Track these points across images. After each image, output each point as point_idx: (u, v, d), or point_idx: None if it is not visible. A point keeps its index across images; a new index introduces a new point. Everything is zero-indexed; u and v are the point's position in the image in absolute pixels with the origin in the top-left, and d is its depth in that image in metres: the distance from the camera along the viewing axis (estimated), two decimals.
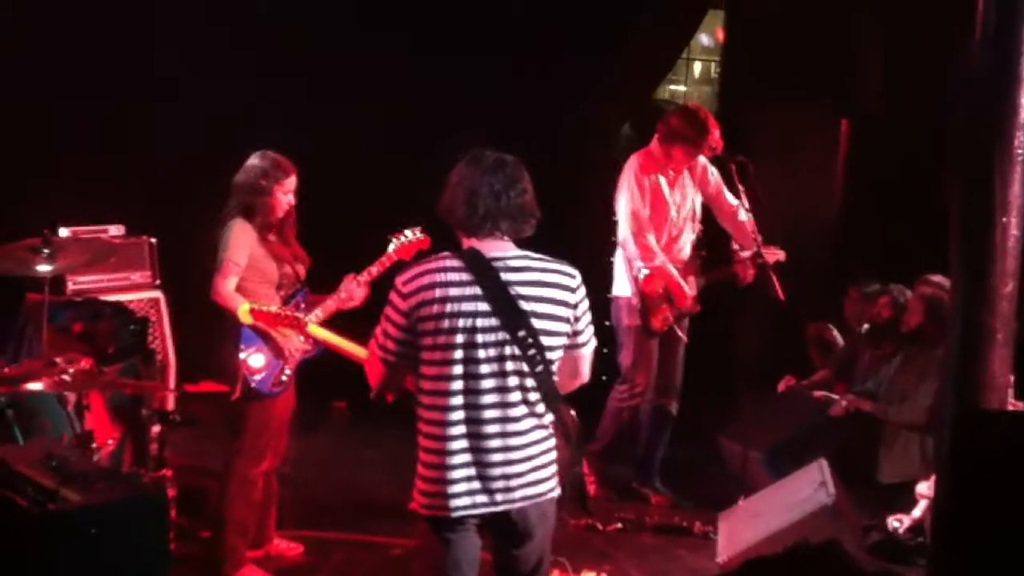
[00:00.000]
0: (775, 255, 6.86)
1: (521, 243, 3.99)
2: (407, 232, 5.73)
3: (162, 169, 8.14)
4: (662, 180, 6.79)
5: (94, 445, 5.14)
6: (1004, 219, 3.98)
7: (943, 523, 2.68)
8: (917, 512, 6.21)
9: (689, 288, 6.81)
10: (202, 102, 8.12)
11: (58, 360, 5.05)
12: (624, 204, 6.78)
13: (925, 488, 6.13)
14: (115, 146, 8.05)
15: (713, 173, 6.98)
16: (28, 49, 7.60)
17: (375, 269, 5.63)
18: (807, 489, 5.86)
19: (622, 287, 6.89)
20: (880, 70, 9.22)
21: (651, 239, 6.74)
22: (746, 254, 6.86)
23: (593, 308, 4.07)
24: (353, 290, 5.66)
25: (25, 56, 7.64)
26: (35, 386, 4.96)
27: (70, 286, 7.02)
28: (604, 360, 4.30)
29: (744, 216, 6.85)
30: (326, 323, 5.55)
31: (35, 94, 7.77)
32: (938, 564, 2.72)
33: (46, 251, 5.21)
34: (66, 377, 4.96)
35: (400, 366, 3.99)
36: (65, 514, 3.53)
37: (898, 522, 6.27)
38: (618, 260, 6.92)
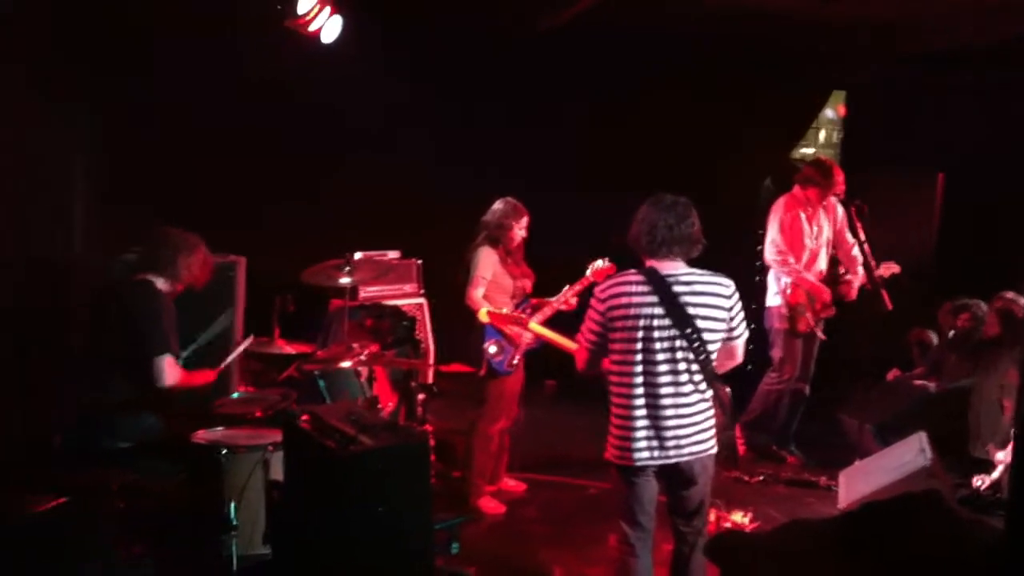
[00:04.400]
0: (891, 269, 6.75)
1: (690, 262, 3.98)
2: (598, 261, 5.81)
3: (423, 212, 8.33)
4: (802, 216, 6.68)
5: (379, 406, 5.30)
6: None
7: (1019, 481, 2.54)
8: (996, 474, 5.93)
9: (826, 292, 6.66)
10: (447, 164, 8.30)
11: (354, 345, 5.24)
12: (772, 234, 6.71)
13: (1002, 455, 5.87)
14: (393, 194, 8.26)
15: (840, 214, 6.83)
16: (323, 106, 7.63)
17: (577, 287, 5.69)
18: (909, 454, 5.64)
19: (773, 299, 6.78)
20: (971, 134, 8.91)
21: (791, 260, 6.63)
22: (851, 278, 6.74)
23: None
24: (568, 297, 5.73)
25: (328, 113, 7.72)
26: (340, 364, 5.18)
27: (362, 294, 7.21)
28: (748, 354, 4.22)
29: (856, 251, 6.74)
30: (544, 323, 5.62)
31: (333, 150, 7.93)
32: (1014, 514, 2.58)
33: (347, 268, 5.41)
34: (360, 358, 5.15)
35: (597, 353, 4.03)
36: (361, 454, 3.59)
37: (980, 481, 5.98)
38: (770, 278, 6.83)
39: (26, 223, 5.41)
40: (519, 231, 5.71)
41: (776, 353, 6.80)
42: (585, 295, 4.93)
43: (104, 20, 5.98)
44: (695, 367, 3.87)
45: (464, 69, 8.00)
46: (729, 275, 4.02)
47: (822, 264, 6.80)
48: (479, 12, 7.64)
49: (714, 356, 3.92)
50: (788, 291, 6.65)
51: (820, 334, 6.77)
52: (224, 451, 4.39)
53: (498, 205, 5.72)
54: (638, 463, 3.90)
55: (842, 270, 6.81)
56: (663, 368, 3.86)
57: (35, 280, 5.48)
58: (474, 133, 8.11)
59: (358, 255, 6.52)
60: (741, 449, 6.77)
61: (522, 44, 8.01)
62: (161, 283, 4.78)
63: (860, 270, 6.75)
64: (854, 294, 6.74)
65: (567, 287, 5.73)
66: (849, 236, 6.82)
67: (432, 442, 5.40)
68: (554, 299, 5.70)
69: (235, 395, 5.28)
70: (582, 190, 8.64)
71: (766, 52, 8.24)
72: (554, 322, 5.65)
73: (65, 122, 5.67)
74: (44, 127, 5.49)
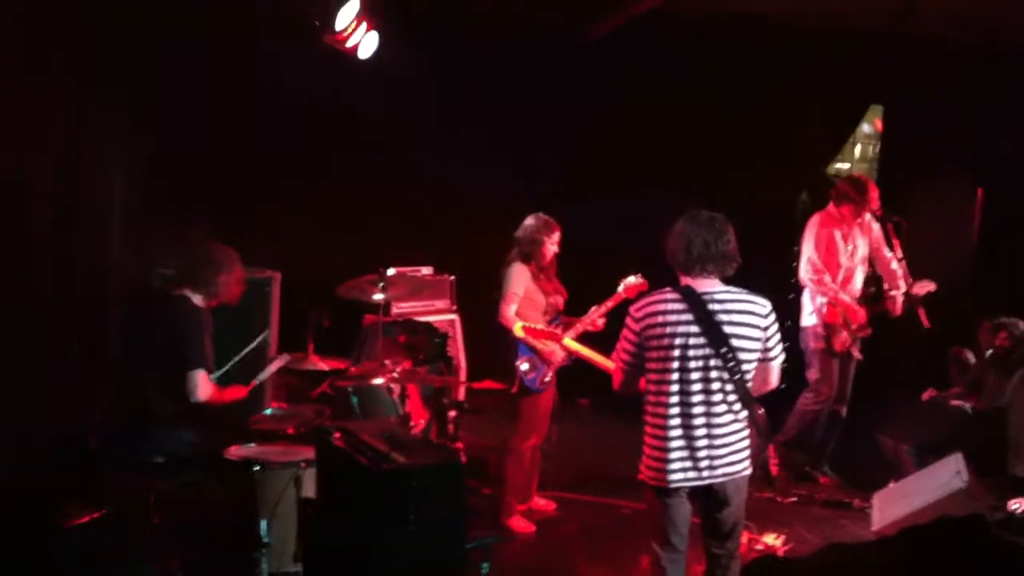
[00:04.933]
0: (926, 287, 6.64)
1: (726, 280, 3.95)
2: (631, 277, 5.73)
3: (456, 231, 8.34)
4: (837, 234, 6.63)
5: (411, 423, 5.30)
6: None
7: None
8: None
9: (861, 312, 6.58)
10: (477, 181, 8.30)
11: (387, 362, 5.24)
12: (807, 252, 6.65)
13: None
14: (427, 209, 8.28)
15: (876, 229, 6.77)
16: (359, 120, 7.68)
17: (609, 304, 5.65)
18: (946, 476, 5.55)
19: (809, 318, 6.72)
20: (1009, 148, 8.82)
21: (827, 279, 6.57)
22: (894, 293, 6.64)
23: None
24: (595, 318, 5.70)
25: (364, 128, 7.75)
26: (373, 381, 5.18)
27: (395, 310, 7.15)
28: (784, 373, 4.18)
29: (895, 265, 6.65)
30: (577, 339, 5.59)
31: (368, 164, 7.93)
32: None
33: (380, 284, 5.41)
34: (393, 374, 5.15)
35: (633, 373, 4.01)
36: (394, 471, 3.56)
37: (1017, 504, 5.87)
38: (805, 297, 6.76)
39: (65, 229, 5.47)
40: (551, 246, 5.70)
41: (812, 374, 6.72)
42: (616, 314, 4.91)
43: (151, 28, 6.06)
44: (729, 387, 3.84)
45: (502, 81, 8.00)
46: (764, 292, 3.98)
47: (858, 283, 6.73)
48: (519, 22, 7.66)
49: (749, 377, 3.88)
50: (824, 310, 6.59)
51: (857, 354, 6.70)
52: (257, 467, 4.40)
53: (530, 220, 5.72)
54: (672, 484, 3.87)
55: (885, 286, 6.74)
56: (697, 387, 3.83)
57: (72, 286, 5.53)
58: (509, 147, 8.11)
59: (391, 271, 6.55)
60: (774, 469, 6.70)
61: (562, 52, 8.00)
62: (198, 299, 4.86)
63: (902, 284, 6.66)
64: (900, 309, 6.65)
65: (594, 307, 5.69)
66: (886, 251, 6.75)
67: (464, 459, 5.41)
68: (585, 317, 5.67)
69: (268, 411, 5.31)
70: (616, 202, 8.63)
71: (805, 65, 8.19)
72: (586, 339, 5.62)
73: (108, 129, 5.73)
74: (87, 134, 5.56)
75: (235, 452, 4.60)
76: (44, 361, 5.26)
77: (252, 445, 4.72)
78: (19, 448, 4.91)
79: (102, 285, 5.76)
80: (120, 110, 5.80)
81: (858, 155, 10.12)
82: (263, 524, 4.32)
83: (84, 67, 5.48)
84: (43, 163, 5.28)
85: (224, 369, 5.06)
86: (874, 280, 6.80)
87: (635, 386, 4.05)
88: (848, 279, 6.67)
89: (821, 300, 6.60)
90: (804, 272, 6.66)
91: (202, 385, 4.66)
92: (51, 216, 5.35)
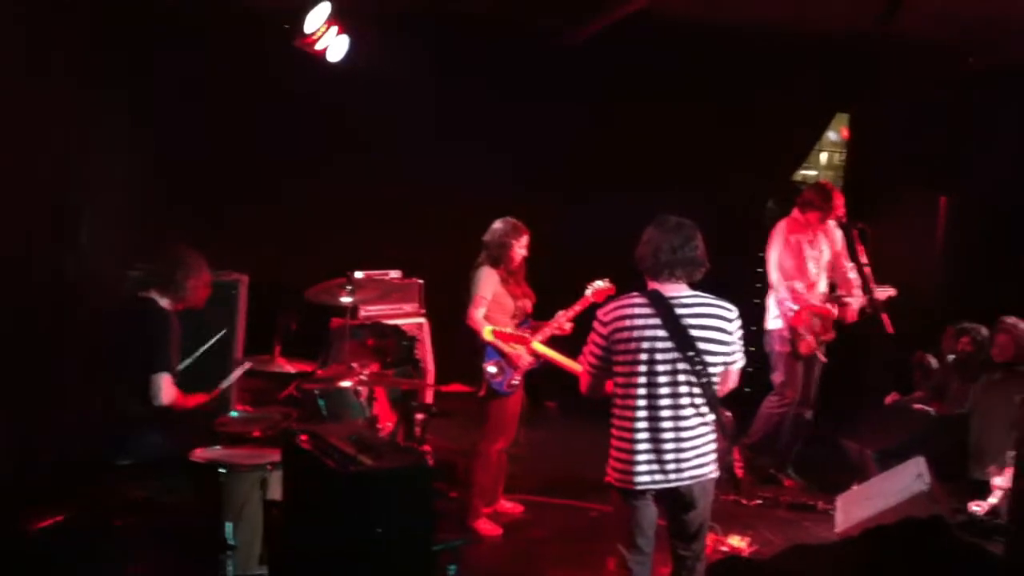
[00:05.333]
0: (887, 292, 6.71)
1: (693, 285, 3.98)
2: (598, 281, 5.76)
3: (424, 234, 8.34)
4: (803, 239, 6.69)
5: (379, 426, 5.29)
6: None
7: (1019, 508, 2.54)
8: (993, 499, 5.92)
9: (832, 310, 6.66)
10: (450, 183, 8.31)
11: (355, 365, 5.22)
12: (774, 258, 6.72)
13: (1000, 480, 5.86)
14: (396, 218, 8.27)
15: (839, 237, 6.84)
16: (327, 124, 7.72)
17: (577, 308, 5.66)
18: (908, 479, 5.64)
19: (774, 321, 6.78)
20: (972, 156, 8.96)
21: (797, 284, 6.63)
22: (849, 300, 6.71)
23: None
24: (562, 322, 5.72)
25: (332, 132, 7.79)
26: (340, 384, 5.17)
27: (363, 313, 7.11)
28: (747, 376, 4.22)
29: (852, 274, 6.75)
30: (545, 343, 5.61)
31: (337, 168, 7.98)
32: (1015, 540, 2.58)
33: (349, 288, 5.40)
34: (361, 377, 5.15)
35: (600, 377, 4.04)
36: (362, 474, 3.56)
37: (978, 507, 5.97)
38: (771, 301, 6.82)
39: (32, 234, 5.43)
40: (519, 250, 5.71)
41: (777, 377, 6.78)
42: (584, 318, 4.93)
43: (119, 30, 6.03)
44: (697, 391, 3.87)
45: (471, 85, 8.01)
46: (729, 298, 4.02)
47: (822, 287, 6.81)
48: (490, 26, 7.67)
49: (716, 380, 3.92)
50: (790, 314, 6.65)
51: (822, 356, 6.76)
52: (223, 470, 4.38)
53: (498, 224, 5.73)
54: (639, 486, 3.89)
55: (841, 292, 6.81)
56: (664, 391, 3.86)
57: (40, 295, 5.49)
58: (479, 150, 8.11)
59: (360, 274, 6.54)
60: (739, 472, 6.74)
61: (531, 58, 8.02)
62: (165, 302, 4.89)
63: (857, 292, 6.74)
64: (853, 316, 6.73)
65: (562, 311, 5.71)
66: (847, 260, 6.82)
67: (431, 462, 5.41)
68: (552, 320, 5.69)
69: (234, 414, 5.28)
70: (583, 204, 8.66)
71: (772, 72, 8.26)
72: (554, 342, 5.65)
73: (74, 139, 5.71)
74: (55, 143, 5.53)
75: (201, 455, 4.58)
76: (9, 371, 5.23)
77: (218, 448, 4.69)
78: None
79: (71, 289, 5.73)
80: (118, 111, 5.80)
81: (824, 162, 10.23)
82: (229, 527, 4.30)
83: (80, 68, 5.46)
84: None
85: (182, 365, 5.02)
86: (831, 286, 6.88)
87: (602, 389, 4.07)
88: (813, 285, 6.75)
89: (787, 304, 6.65)
90: (773, 277, 6.73)
91: (166, 389, 4.68)
92: (15, 221, 5.31)
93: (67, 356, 5.62)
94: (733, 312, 3.96)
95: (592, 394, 4.11)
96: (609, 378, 3.99)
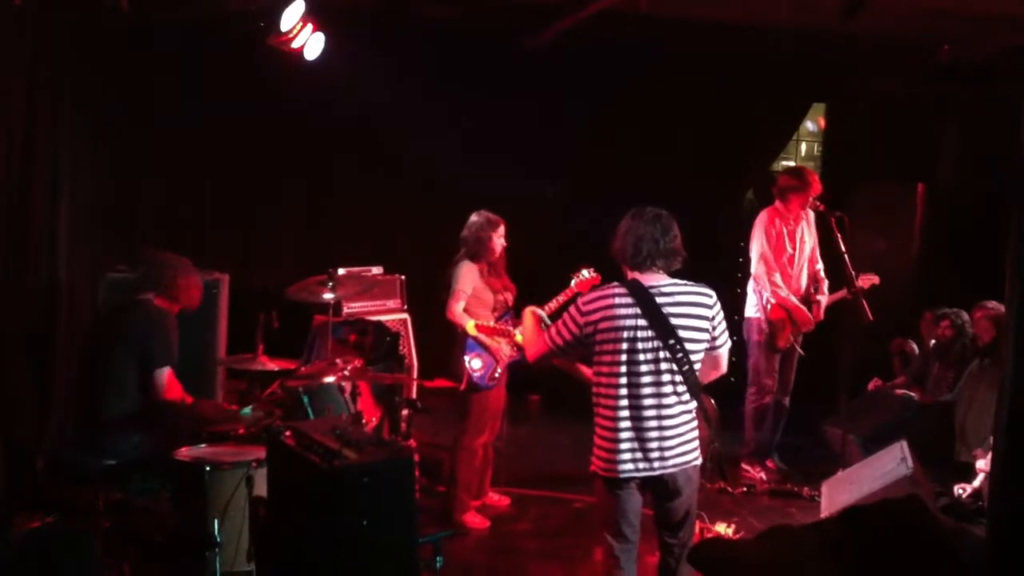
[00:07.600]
0: (870, 280, 6.72)
1: (672, 274, 4.01)
2: (583, 271, 5.76)
3: (406, 229, 8.35)
4: (784, 230, 6.73)
5: (363, 421, 5.28)
6: None
7: (999, 490, 2.57)
8: (976, 483, 5.99)
9: (808, 311, 6.69)
10: (427, 179, 8.30)
11: (338, 361, 5.21)
12: (756, 248, 6.74)
13: (983, 464, 5.93)
14: (375, 213, 8.29)
15: (814, 233, 6.86)
16: (306, 121, 7.76)
17: (561, 298, 5.64)
18: (891, 463, 5.68)
19: (753, 311, 6.81)
20: (947, 145, 9.06)
21: (778, 277, 6.67)
22: (819, 298, 6.76)
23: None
24: (544, 314, 5.72)
25: (312, 129, 7.84)
26: (324, 380, 5.18)
27: (345, 309, 7.15)
28: (733, 366, 4.26)
29: (823, 274, 6.80)
30: None
31: (317, 166, 8.05)
32: (995, 523, 2.61)
33: (330, 284, 5.39)
34: (344, 373, 5.14)
35: (557, 355, 4.10)
36: (346, 468, 3.56)
37: (962, 490, 6.05)
38: (750, 290, 6.85)
39: (9, 242, 5.42)
40: (498, 241, 5.72)
41: (754, 367, 6.81)
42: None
43: (96, 42, 6.03)
44: (679, 378, 3.89)
45: (451, 84, 8.03)
46: (710, 287, 4.05)
47: (803, 279, 6.82)
48: (466, 28, 7.70)
49: (698, 367, 3.94)
50: (769, 307, 6.69)
51: (799, 349, 6.81)
52: (207, 468, 4.39)
53: (473, 218, 5.74)
54: (623, 475, 3.91)
55: (812, 289, 6.85)
56: (647, 379, 3.87)
57: (19, 302, 5.49)
58: (456, 147, 8.14)
59: (341, 271, 6.53)
60: (761, 484, 6.75)
61: (508, 58, 8.05)
62: (160, 302, 4.97)
63: (826, 290, 6.79)
64: (822, 315, 6.77)
65: (548, 301, 5.72)
66: (818, 258, 6.85)
67: (416, 457, 5.42)
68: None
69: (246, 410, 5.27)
70: (565, 202, 8.71)
71: (748, 64, 8.32)
72: None
73: (51, 145, 5.71)
74: (32, 150, 5.53)
75: (185, 453, 4.58)
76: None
77: (203, 446, 4.69)
78: None
79: (49, 298, 5.73)
80: (63, 121, 5.78)
81: (803, 153, 10.30)
82: (215, 524, 4.30)
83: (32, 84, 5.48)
84: None
85: None
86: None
87: (547, 364, 4.16)
88: (796, 275, 6.78)
89: (767, 296, 6.69)
90: (755, 268, 6.75)
91: (170, 383, 4.79)
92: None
93: (51, 359, 5.63)
94: (712, 297, 3.98)
95: (538, 363, 4.19)
96: (563, 359, 4.05)
